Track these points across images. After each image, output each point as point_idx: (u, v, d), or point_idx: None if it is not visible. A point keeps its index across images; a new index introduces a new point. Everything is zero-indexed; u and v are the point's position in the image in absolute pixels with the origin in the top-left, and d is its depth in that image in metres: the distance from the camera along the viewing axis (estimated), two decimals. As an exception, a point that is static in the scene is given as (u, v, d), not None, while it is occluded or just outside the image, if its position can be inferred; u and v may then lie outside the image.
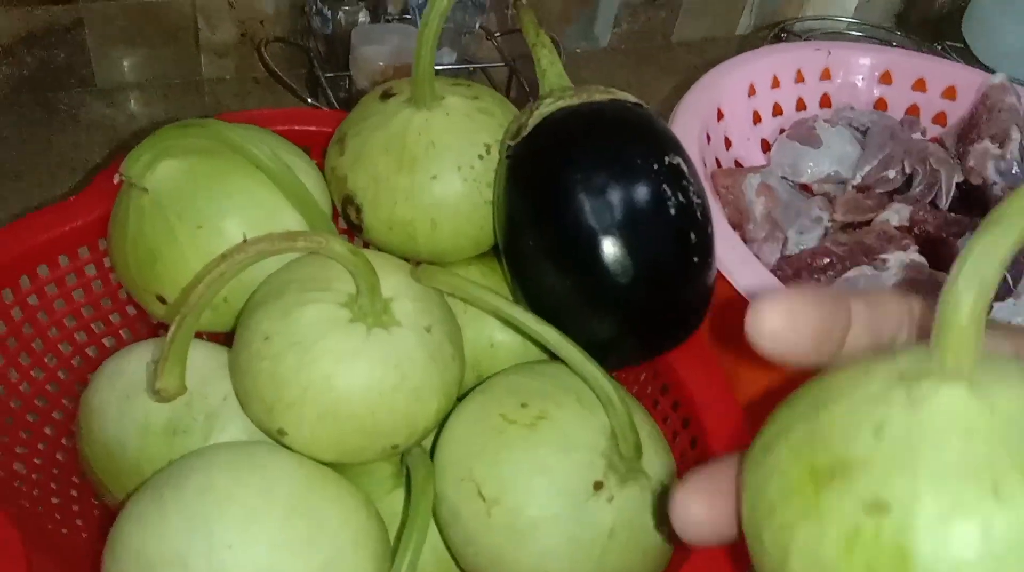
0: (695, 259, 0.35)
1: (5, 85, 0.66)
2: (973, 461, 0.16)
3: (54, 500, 0.38)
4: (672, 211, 0.34)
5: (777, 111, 0.53)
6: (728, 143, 0.50)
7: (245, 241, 0.32)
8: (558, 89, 0.37)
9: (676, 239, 0.34)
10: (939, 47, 0.96)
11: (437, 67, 0.41)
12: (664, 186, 0.34)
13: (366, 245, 0.42)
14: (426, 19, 0.37)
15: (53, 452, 0.40)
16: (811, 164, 0.50)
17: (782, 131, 0.53)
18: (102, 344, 0.42)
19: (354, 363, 0.33)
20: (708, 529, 0.20)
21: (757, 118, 0.52)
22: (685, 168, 0.35)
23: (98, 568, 0.35)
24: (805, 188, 0.50)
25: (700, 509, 0.20)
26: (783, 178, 0.49)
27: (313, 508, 0.31)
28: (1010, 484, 0.16)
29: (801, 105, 0.54)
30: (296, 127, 0.46)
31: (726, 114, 0.49)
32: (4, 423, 0.38)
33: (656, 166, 0.34)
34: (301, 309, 0.33)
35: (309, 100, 0.67)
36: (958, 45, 0.93)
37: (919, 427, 0.17)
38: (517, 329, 0.37)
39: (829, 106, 0.54)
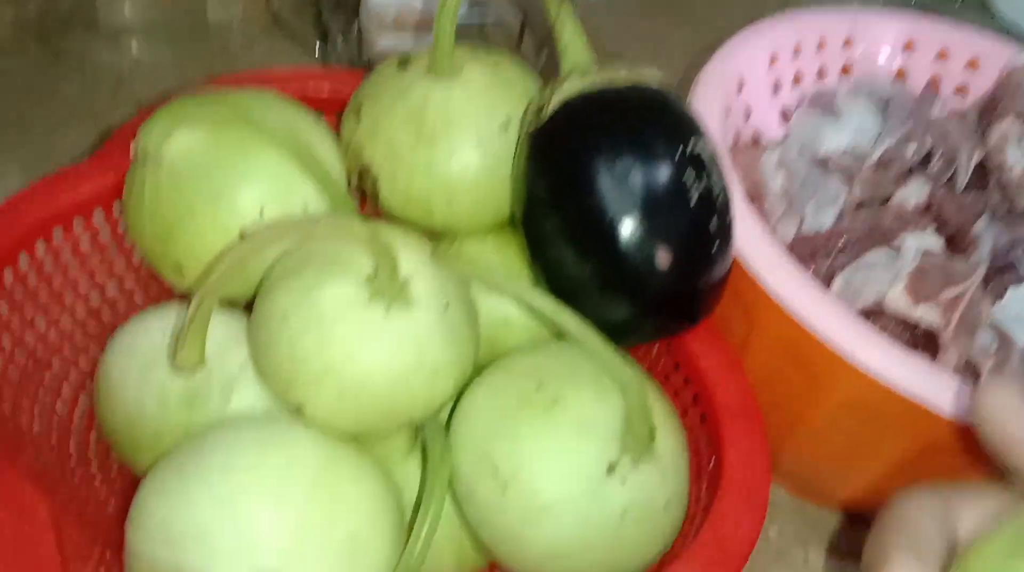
0: (714, 246, 0.35)
1: (9, 29, 0.64)
2: None
3: (71, 460, 0.39)
4: (694, 199, 0.34)
5: (797, 79, 0.52)
6: (748, 113, 0.49)
7: (266, 224, 0.32)
8: (579, 68, 0.37)
9: (697, 226, 0.34)
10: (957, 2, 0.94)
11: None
12: (686, 173, 0.34)
13: (380, 214, 0.42)
14: (448, -11, 0.36)
15: (71, 413, 0.40)
16: (830, 136, 0.49)
17: (802, 101, 0.52)
18: (115, 305, 0.43)
19: (373, 344, 0.33)
20: None
21: (777, 87, 0.51)
22: (708, 153, 0.35)
23: (121, 536, 0.36)
24: (822, 161, 0.50)
25: None
26: (802, 151, 0.48)
27: (333, 486, 0.32)
28: None
29: (822, 73, 0.53)
30: (310, 87, 0.45)
31: (747, 84, 0.48)
32: (23, 385, 0.38)
33: (679, 153, 0.34)
34: (320, 288, 0.33)
35: (316, 49, 0.66)
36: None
37: None
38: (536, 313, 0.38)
39: (849, 74, 0.53)
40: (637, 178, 0.33)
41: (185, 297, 0.41)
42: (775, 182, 0.44)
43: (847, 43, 0.53)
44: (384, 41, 0.62)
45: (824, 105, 0.51)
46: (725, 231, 0.35)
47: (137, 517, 0.31)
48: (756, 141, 0.50)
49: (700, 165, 0.34)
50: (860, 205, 0.46)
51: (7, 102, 0.62)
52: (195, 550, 0.30)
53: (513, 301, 0.39)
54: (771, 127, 0.51)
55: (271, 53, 0.69)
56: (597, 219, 0.34)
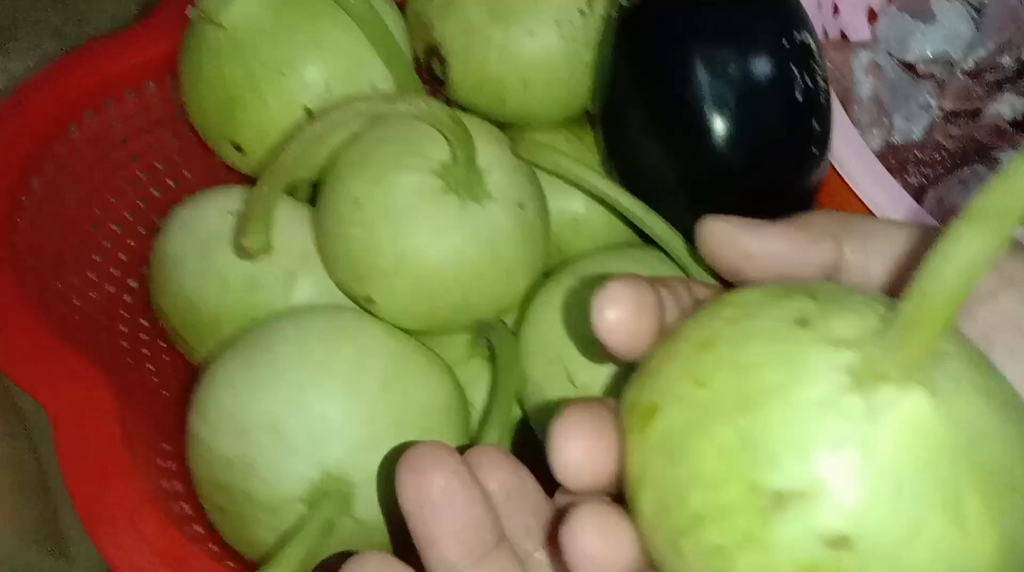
0: (813, 150, 0.32)
1: None
2: (939, 489, 0.14)
3: (123, 343, 0.38)
4: (798, 96, 0.31)
5: (888, -24, 0.48)
6: (836, 9, 0.46)
7: (341, 101, 0.30)
8: (679, -56, 0.34)
9: (798, 126, 0.32)
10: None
11: None
12: (792, 66, 0.31)
13: (447, 101, 0.39)
14: None
15: (120, 294, 0.39)
16: (920, 40, 0.46)
17: (891, 0, 0.48)
18: (166, 183, 0.41)
19: (448, 237, 0.31)
20: (588, 476, 0.18)
21: (868, -16, 0.48)
22: (814, 47, 0.32)
23: (175, 422, 0.36)
24: (908, 67, 0.47)
25: (578, 452, 0.18)
26: (889, 54, 0.45)
27: (404, 382, 0.31)
28: (975, 514, 0.15)
29: (914, -30, 0.49)
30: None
31: (839, -22, 0.45)
32: (74, 263, 0.37)
33: (786, 43, 0.31)
34: (395, 176, 0.31)
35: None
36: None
37: (881, 448, 0.15)
38: (614, 210, 0.35)
39: (943, -27, 0.50)
40: (739, 67, 0.31)
41: (243, 179, 0.39)
42: (865, 87, 0.41)
43: (944, -62, 0.49)
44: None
45: (915, 7, 0.47)
46: (825, 134, 0.33)
47: (204, 406, 0.30)
48: (843, 39, 0.47)
49: (806, 58, 0.32)
50: (949, 116, 0.44)
51: (37, -37, 0.58)
52: (265, 442, 0.29)
53: (590, 199, 0.37)
54: (857, 26, 0.47)
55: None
56: (690, 110, 0.31)
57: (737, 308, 0.17)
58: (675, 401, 0.17)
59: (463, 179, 0.31)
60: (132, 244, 0.40)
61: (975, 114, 0.44)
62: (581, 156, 0.39)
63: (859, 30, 0.48)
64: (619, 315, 0.19)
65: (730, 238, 0.21)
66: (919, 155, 0.39)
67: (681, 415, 0.16)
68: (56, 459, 0.29)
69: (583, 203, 0.38)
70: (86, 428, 0.28)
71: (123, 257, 0.39)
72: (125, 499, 0.27)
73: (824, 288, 0.17)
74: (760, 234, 0.21)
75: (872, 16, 0.49)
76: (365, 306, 0.33)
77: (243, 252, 0.31)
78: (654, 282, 0.20)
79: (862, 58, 0.42)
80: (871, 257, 0.21)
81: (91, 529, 0.26)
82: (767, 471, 0.15)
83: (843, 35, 0.47)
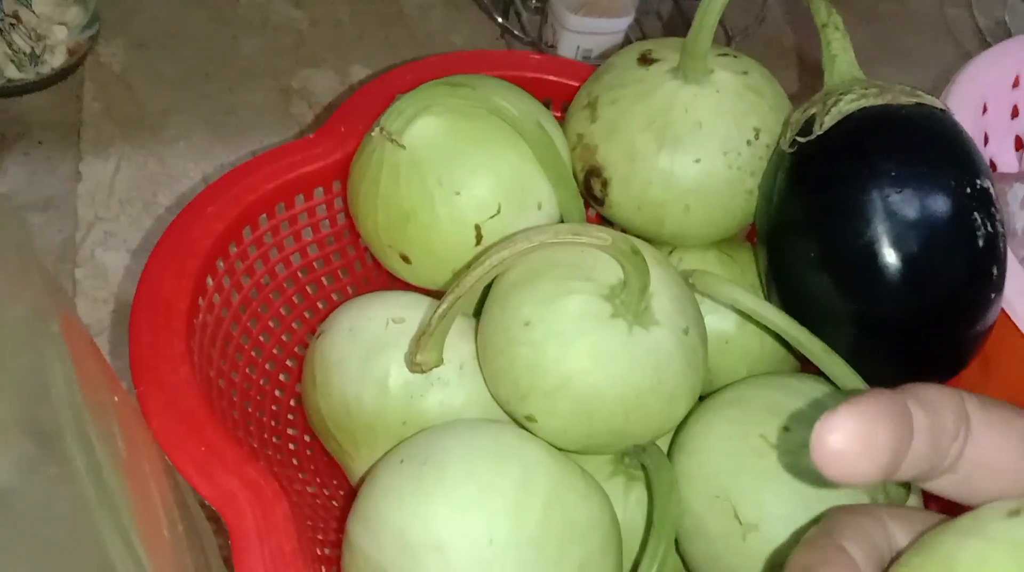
0: (992, 295, 0.32)
1: (194, -20, 0.64)
2: None
3: (274, 439, 0.39)
4: (980, 243, 0.31)
5: (1036, 105, 0.48)
6: (986, 139, 0.46)
7: (528, 230, 0.30)
8: (856, 84, 0.34)
9: (979, 273, 0.31)
10: None
11: None
12: (975, 214, 0.31)
13: (602, 219, 0.40)
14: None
15: (273, 390, 0.40)
16: (1071, 172, 0.45)
17: (1037, 129, 0.48)
18: (321, 282, 0.42)
19: (614, 362, 0.31)
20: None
21: (1015, 112, 0.47)
22: (993, 193, 0.32)
23: (321, 518, 0.36)
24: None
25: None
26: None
27: (565, 504, 0.30)
28: None
29: (1060, 100, 0.49)
30: (528, 74, 0.43)
31: (989, 108, 0.45)
32: (233, 360, 0.38)
33: (969, 190, 0.31)
34: (565, 298, 0.32)
35: (499, 19, 0.65)
36: None
37: None
38: (768, 332, 0.35)
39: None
40: (922, 209, 0.31)
41: (390, 281, 0.40)
42: (1020, 220, 0.41)
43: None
44: (571, 23, 0.59)
45: (1064, 136, 0.47)
46: (1001, 278, 0.32)
47: (367, 517, 0.30)
48: (992, 170, 0.46)
49: (987, 204, 0.32)
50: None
51: (188, 56, 0.62)
52: (428, 561, 0.29)
53: (743, 320, 0.37)
54: (1005, 155, 0.47)
55: (447, 20, 0.67)
56: (870, 252, 0.31)
57: None
58: None
59: (632, 306, 0.32)
60: (285, 339, 0.41)
61: None
62: (734, 277, 0.39)
63: (1006, 157, 0.47)
64: (841, 446, 0.18)
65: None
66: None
67: None
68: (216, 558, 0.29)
69: (735, 324, 0.38)
70: (268, 542, 0.28)
71: (276, 352, 0.40)
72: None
73: None
74: None
75: (1019, 145, 0.48)
76: (524, 424, 0.33)
77: (416, 366, 0.32)
78: (895, 398, 0.19)
79: (1018, 191, 0.41)
80: None
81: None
82: None
83: (991, 164, 0.46)
